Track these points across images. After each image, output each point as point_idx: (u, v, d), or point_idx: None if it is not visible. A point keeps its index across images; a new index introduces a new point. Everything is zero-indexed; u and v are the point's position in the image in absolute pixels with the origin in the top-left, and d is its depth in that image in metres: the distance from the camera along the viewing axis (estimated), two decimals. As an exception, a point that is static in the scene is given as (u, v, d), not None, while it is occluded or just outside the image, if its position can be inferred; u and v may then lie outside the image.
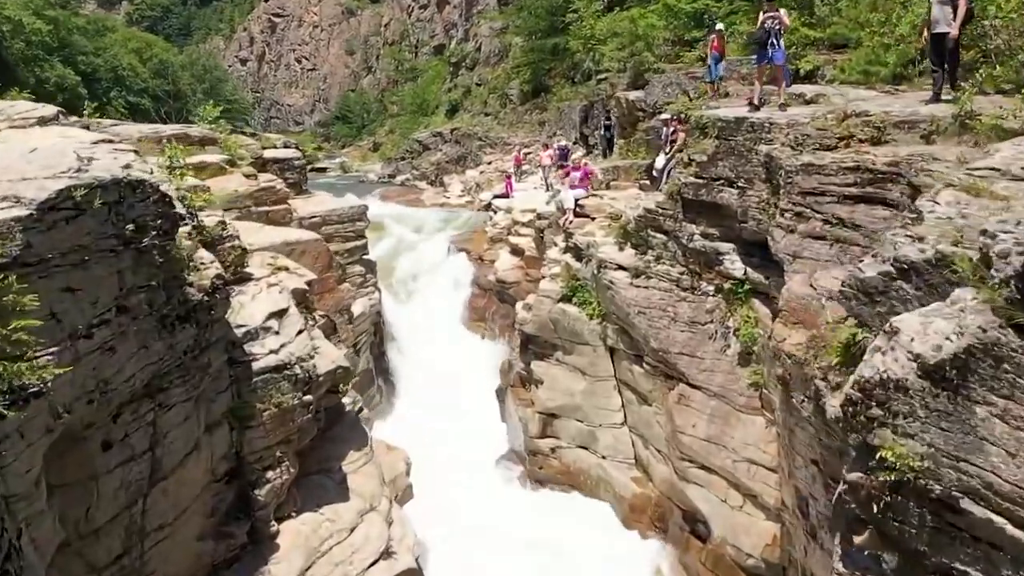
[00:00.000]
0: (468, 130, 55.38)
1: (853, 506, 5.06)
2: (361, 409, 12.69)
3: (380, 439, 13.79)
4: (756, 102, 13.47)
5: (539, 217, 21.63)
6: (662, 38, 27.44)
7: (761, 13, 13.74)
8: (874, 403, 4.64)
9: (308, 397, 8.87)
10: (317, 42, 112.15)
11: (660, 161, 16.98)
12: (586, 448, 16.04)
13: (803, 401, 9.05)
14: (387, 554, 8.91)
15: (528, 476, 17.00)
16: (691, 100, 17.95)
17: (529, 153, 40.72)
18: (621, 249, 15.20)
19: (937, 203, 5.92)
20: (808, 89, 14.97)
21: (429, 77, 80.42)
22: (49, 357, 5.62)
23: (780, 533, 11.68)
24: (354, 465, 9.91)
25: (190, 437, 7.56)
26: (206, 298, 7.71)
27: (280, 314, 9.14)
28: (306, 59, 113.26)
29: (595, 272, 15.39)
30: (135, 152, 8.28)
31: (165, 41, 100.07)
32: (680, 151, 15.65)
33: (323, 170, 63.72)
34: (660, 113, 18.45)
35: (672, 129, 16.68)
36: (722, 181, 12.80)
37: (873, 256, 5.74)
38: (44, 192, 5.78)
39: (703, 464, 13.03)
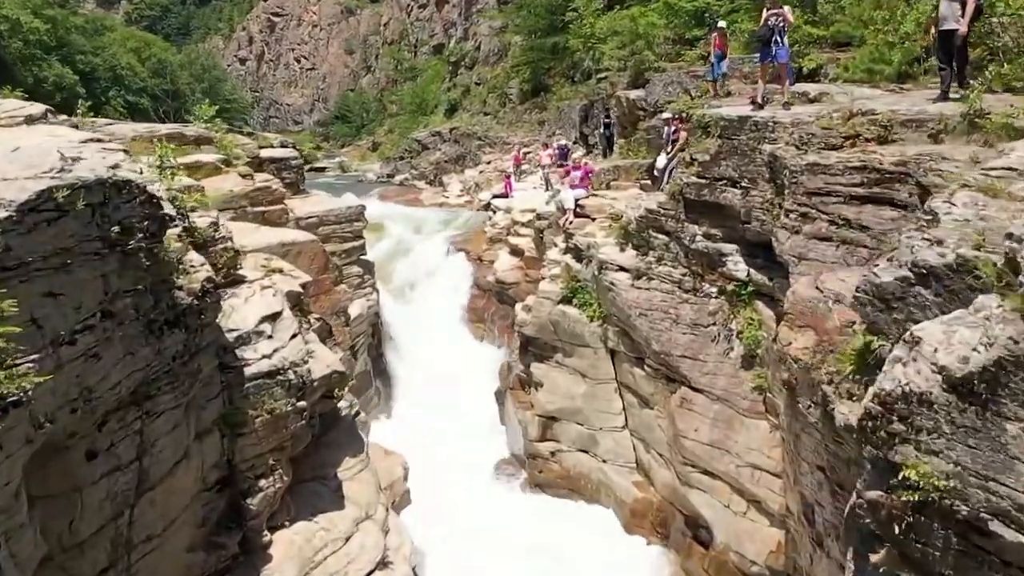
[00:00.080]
0: (467, 129, 55.10)
1: (868, 521, 4.83)
2: (358, 413, 12.46)
3: (377, 443, 13.60)
4: (759, 101, 13.26)
5: (539, 217, 21.43)
6: (663, 37, 27.19)
7: (765, 10, 13.52)
8: (895, 418, 4.39)
9: (302, 403, 8.64)
10: (316, 41, 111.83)
11: (661, 161, 16.76)
12: (586, 452, 15.82)
13: (810, 407, 8.84)
14: (383, 564, 8.70)
15: (528, 480, 16.78)
16: (692, 99, 17.70)
17: (528, 153, 40.47)
18: (622, 250, 14.98)
19: (953, 204, 5.69)
20: (811, 88, 14.75)
21: (428, 76, 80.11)
22: (30, 365, 5.39)
23: (785, 540, 11.46)
24: (350, 472, 9.68)
25: (179, 445, 7.33)
26: (196, 302, 7.49)
27: (273, 318, 8.92)
28: (305, 58, 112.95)
29: (596, 273, 15.17)
30: (124, 152, 8.09)
31: (164, 40, 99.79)
32: (682, 150, 15.42)
33: (322, 170, 63.47)
34: (661, 112, 18.22)
35: (674, 128, 16.45)
36: (725, 181, 12.59)
37: (888, 260, 5.49)
38: (24, 193, 5.56)
39: (706, 469, 12.81)
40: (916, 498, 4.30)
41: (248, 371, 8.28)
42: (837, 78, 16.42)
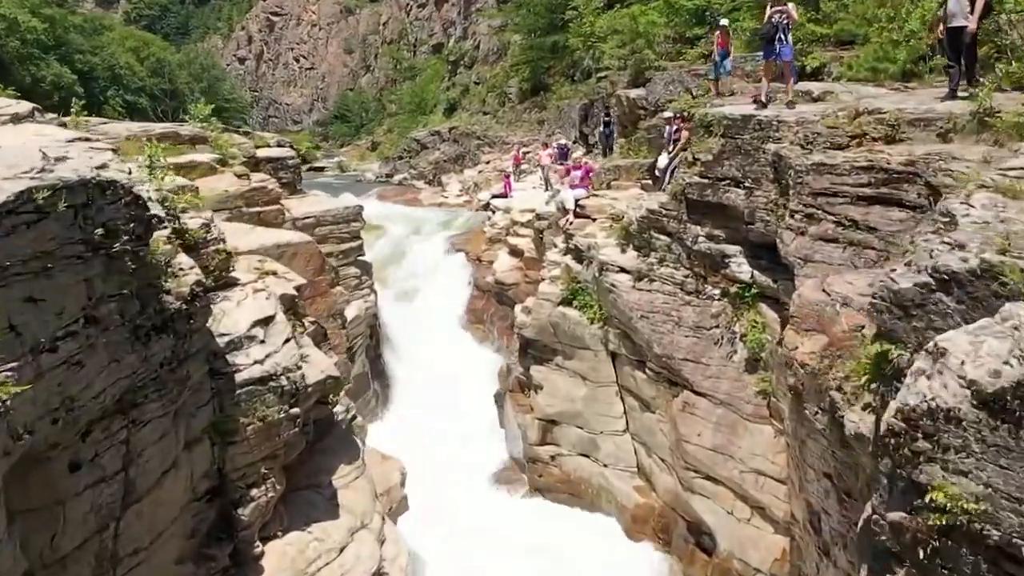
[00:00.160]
0: (466, 129, 54.85)
1: (884, 539, 4.60)
2: (355, 417, 12.24)
3: (374, 448, 13.38)
4: (763, 99, 13.04)
5: (538, 217, 21.20)
6: (663, 35, 27.02)
7: (768, 7, 13.28)
8: (920, 435, 4.13)
9: (295, 410, 8.40)
10: (315, 41, 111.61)
11: (663, 160, 16.53)
12: (587, 456, 15.59)
13: (817, 413, 8.61)
14: (378, 575, 8.46)
15: (527, 484, 16.55)
16: (694, 98, 17.49)
17: (528, 152, 40.23)
18: (623, 251, 14.74)
19: (971, 206, 5.46)
20: (815, 86, 14.57)
21: (427, 76, 79.86)
22: (8, 373, 5.16)
23: (790, 547, 11.23)
24: (345, 479, 9.44)
25: (167, 455, 7.09)
26: (185, 306, 7.25)
27: (266, 322, 8.68)
28: (304, 58, 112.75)
29: (596, 275, 14.95)
30: (113, 151, 7.87)
31: (163, 40, 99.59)
32: (684, 150, 15.19)
33: (320, 169, 63.24)
34: (662, 111, 18.00)
35: (675, 127, 16.23)
36: (728, 181, 12.36)
37: (906, 264, 5.25)
38: (2, 194, 5.32)
39: (709, 474, 12.59)
40: (943, 521, 4.05)
41: (239, 377, 8.04)
42: (841, 77, 16.22)
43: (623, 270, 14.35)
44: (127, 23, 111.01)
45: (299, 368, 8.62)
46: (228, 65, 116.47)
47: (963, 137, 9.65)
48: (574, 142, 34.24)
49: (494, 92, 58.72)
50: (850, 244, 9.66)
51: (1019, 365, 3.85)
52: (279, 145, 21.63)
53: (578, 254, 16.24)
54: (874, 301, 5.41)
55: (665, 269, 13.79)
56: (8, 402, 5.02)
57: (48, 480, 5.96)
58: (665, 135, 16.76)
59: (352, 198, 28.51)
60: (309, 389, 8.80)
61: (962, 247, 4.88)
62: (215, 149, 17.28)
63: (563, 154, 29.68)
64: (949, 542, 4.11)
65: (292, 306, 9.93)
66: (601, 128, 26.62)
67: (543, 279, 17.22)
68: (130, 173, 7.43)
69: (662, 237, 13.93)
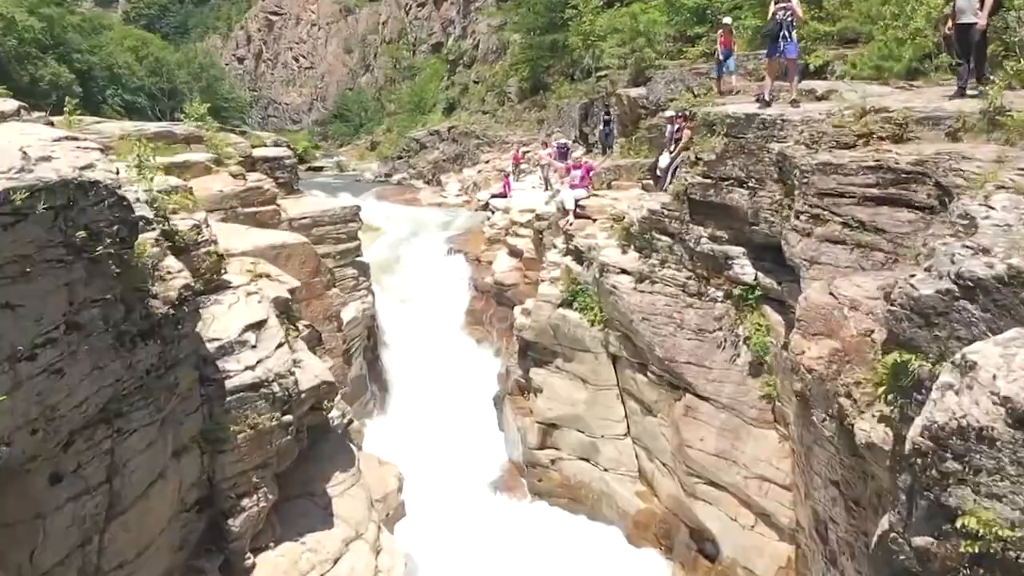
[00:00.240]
0: (466, 128, 54.55)
1: (904, 559, 4.35)
2: (351, 422, 12.01)
3: (371, 453, 13.13)
4: (767, 98, 12.81)
5: (538, 218, 20.97)
6: (664, 34, 26.84)
7: (772, 4, 13.07)
8: (950, 455, 3.88)
9: (288, 417, 8.16)
10: (315, 40, 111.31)
11: (664, 160, 16.31)
12: (587, 460, 15.36)
13: (824, 420, 8.39)
14: (374, 587, 8.23)
15: (527, 489, 16.31)
16: (695, 96, 17.28)
17: (528, 152, 39.96)
18: (624, 252, 14.52)
19: (991, 207, 5.22)
20: (819, 85, 14.37)
21: (427, 75, 79.54)
22: (-17, 383, 4.94)
23: (795, 556, 11.02)
24: (340, 487, 9.20)
25: (154, 464, 6.85)
26: (172, 311, 7.01)
27: (258, 326, 8.43)
28: (304, 57, 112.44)
29: (597, 276, 14.72)
30: (101, 151, 7.62)
31: (162, 39, 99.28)
32: (686, 149, 14.97)
33: (319, 169, 62.99)
34: (663, 110, 17.79)
35: (677, 127, 16.02)
36: (731, 181, 12.13)
37: (926, 270, 5.00)
38: (-24, 195, 5.10)
39: (712, 480, 12.38)
40: (976, 549, 3.78)
41: (230, 384, 7.80)
42: (844, 75, 16.02)
43: (624, 271, 14.12)
44: (126, 22, 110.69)
45: (292, 374, 8.38)
46: (227, 65, 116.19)
47: (973, 136, 9.43)
48: (574, 141, 33.96)
49: (493, 91, 58.44)
50: (857, 246, 9.43)
51: (1057, 381, 3.61)
52: (276, 144, 21.45)
53: (578, 255, 16.02)
54: (892, 308, 5.15)
55: (667, 271, 13.56)
56: (-17, 413, 4.79)
57: (27, 493, 5.71)
58: (667, 134, 16.54)
59: (350, 198, 28.26)
60: (302, 395, 8.57)
61: (986, 252, 4.64)
62: (210, 149, 17.05)
63: (563, 154, 29.42)
64: (981, 570, 3.85)
65: (286, 309, 9.69)
66: (601, 127, 26.44)
67: (543, 280, 16.99)
68: (118, 173, 7.20)
69: (664, 238, 13.70)
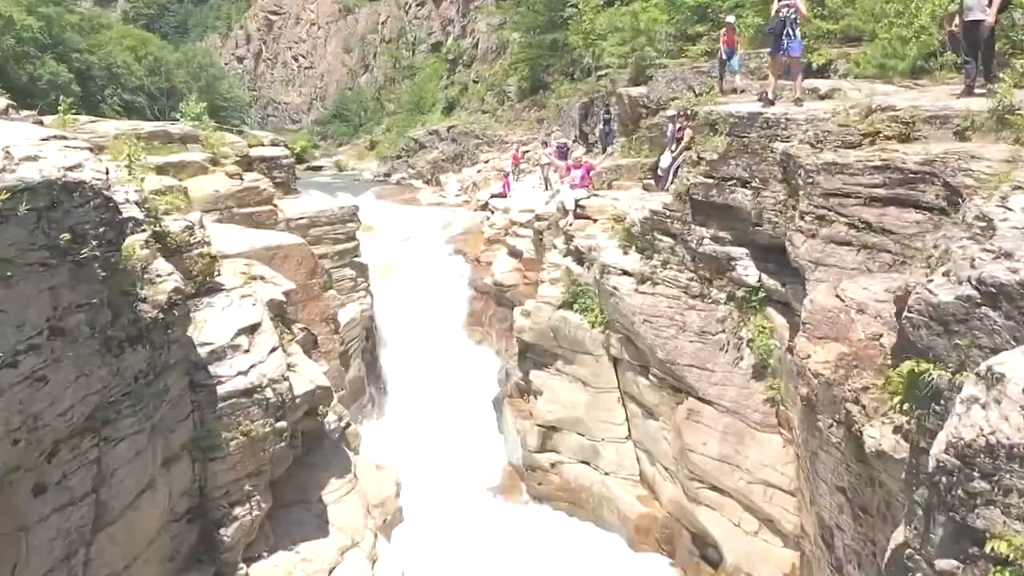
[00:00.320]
0: (465, 128, 54.32)
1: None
2: (348, 425, 11.85)
3: (369, 457, 12.93)
4: (770, 97, 12.64)
5: (538, 218, 20.76)
6: (665, 33, 26.63)
7: (775, 1, 12.88)
8: (977, 474, 3.67)
9: (282, 423, 7.96)
10: (314, 40, 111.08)
11: (666, 160, 16.14)
12: (588, 464, 15.14)
13: (831, 425, 8.21)
14: (370, 597, 8.05)
15: (527, 492, 16.11)
16: (697, 95, 17.09)
17: (527, 151, 39.76)
18: (625, 253, 14.32)
19: (1010, 209, 5.02)
20: (822, 83, 14.20)
21: (426, 75, 79.34)
22: (-39, 392, 4.75)
23: (800, 563, 10.83)
24: (335, 494, 9.01)
25: (143, 473, 6.66)
26: (162, 315, 6.81)
27: (251, 330, 8.24)
28: (303, 57, 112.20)
29: (597, 277, 14.52)
30: (90, 150, 7.43)
31: (161, 39, 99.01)
32: (688, 149, 14.79)
33: (318, 169, 62.81)
34: (664, 109, 17.60)
35: (678, 126, 15.84)
36: (734, 181, 11.95)
37: (944, 274, 4.80)
38: (-47, 197, 4.91)
39: (714, 485, 12.17)
40: (1007, 575, 3.58)
41: (222, 389, 7.60)
42: (847, 74, 15.83)
43: (625, 273, 13.92)
44: (125, 22, 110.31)
45: (286, 379, 8.19)
46: (227, 64, 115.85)
47: (982, 135, 9.25)
48: (574, 141, 33.79)
49: (493, 91, 58.23)
50: (864, 247, 9.25)
51: (1093, 396, 3.40)
52: (273, 144, 21.26)
53: (579, 256, 15.82)
54: (909, 315, 4.94)
55: (669, 272, 13.37)
56: (-39, 423, 4.60)
57: (9, 505, 5.53)
58: (668, 134, 16.37)
59: (349, 198, 28.07)
60: (297, 401, 8.38)
61: (1008, 256, 4.44)
62: (206, 148, 16.87)
63: (563, 153, 29.23)
64: (1011, 598, 3.66)
65: (280, 312, 9.49)
66: (601, 126, 26.27)
67: (543, 281, 16.79)
68: (107, 173, 7.01)
69: (665, 239, 13.51)
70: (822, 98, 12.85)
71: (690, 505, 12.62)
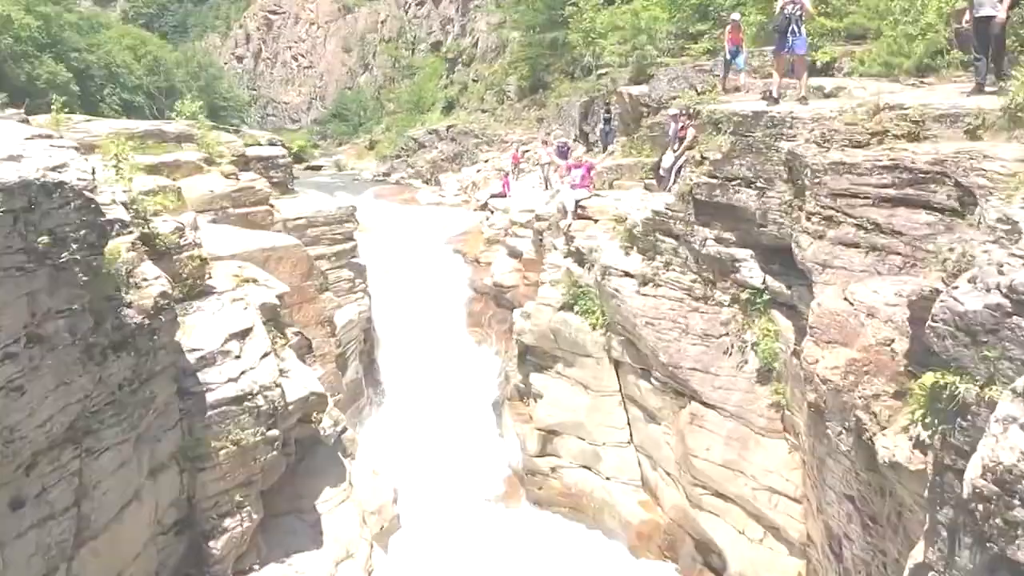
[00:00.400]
0: (464, 127, 54.04)
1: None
2: (344, 430, 11.61)
3: (365, 463, 12.68)
4: (774, 95, 12.40)
5: (538, 218, 20.52)
6: (666, 31, 26.41)
7: (778, -1, 12.64)
8: (1018, 502, 3.43)
9: (274, 431, 7.73)
10: (314, 40, 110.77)
11: (668, 159, 15.90)
12: (589, 468, 14.91)
13: (840, 433, 7.98)
14: (365, 610, 7.81)
15: (526, 497, 15.86)
16: (699, 94, 16.85)
17: (527, 151, 39.49)
18: (627, 254, 14.10)
19: (1034, 212, 4.79)
20: (827, 82, 13.92)
21: (426, 74, 79.04)
22: (-69, 404, 4.52)
23: (806, 571, 10.58)
24: (330, 504, 8.77)
25: (128, 485, 6.43)
26: (148, 321, 6.58)
27: (243, 335, 8.00)
28: (303, 56, 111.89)
29: (599, 279, 14.29)
30: (75, 150, 7.19)
31: (160, 38, 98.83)
32: (690, 148, 14.56)
33: (317, 168, 62.51)
34: (665, 108, 17.36)
35: (681, 125, 15.59)
36: (738, 181, 11.71)
37: (970, 281, 4.54)
38: (-77, 199, 4.67)
39: (718, 491, 11.94)
40: (1052, 611, 3.34)
41: (211, 397, 7.37)
42: (852, 72, 15.58)
43: (627, 274, 13.71)
44: (124, 21, 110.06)
45: (279, 385, 7.95)
46: (226, 64, 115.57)
47: (993, 134, 9.02)
48: (574, 140, 33.55)
49: (493, 90, 57.93)
50: (873, 249, 9.00)
51: None
52: (270, 143, 21.02)
53: (579, 257, 15.60)
54: (934, 325, 4.68)
55: (671, 273, 13.15)
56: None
57: (-16, 521, 5.30)
58: (670, 133, 16.13)
59: (351, 197, 27.83)
60: (290, 408, 8.14)
61: (1040, 262, 4.20)
62: (202, 147, 16.64)
63: (563, 153, 28.98)
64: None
65: (273, 316, 9.25)
66: (601, 126, 26.04)
67: (543, 282, 16.56)
68: (93, 173, 6.77)
69: (668, 240, 13.28)
70: (827, 96, 12.61)
71: (693, 511, 12.39)
